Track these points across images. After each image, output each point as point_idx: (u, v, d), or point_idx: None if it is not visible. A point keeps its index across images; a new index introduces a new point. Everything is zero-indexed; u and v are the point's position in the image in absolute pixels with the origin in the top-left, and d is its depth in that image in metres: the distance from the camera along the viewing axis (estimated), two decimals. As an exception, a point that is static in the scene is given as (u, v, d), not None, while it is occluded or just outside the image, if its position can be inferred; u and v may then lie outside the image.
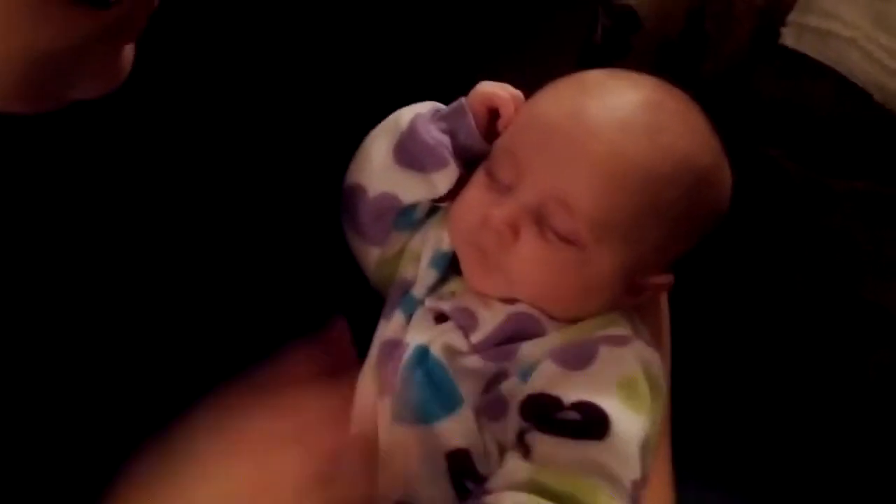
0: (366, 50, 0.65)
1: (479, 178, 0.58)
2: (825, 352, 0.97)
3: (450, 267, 0.61)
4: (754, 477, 0.93)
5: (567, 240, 0.54)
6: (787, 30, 0.89)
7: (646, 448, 0.52)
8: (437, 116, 0.60)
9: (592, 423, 0.50)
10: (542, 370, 0.52)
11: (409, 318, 0.58)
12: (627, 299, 0.58)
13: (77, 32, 0.41)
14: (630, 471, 0.50)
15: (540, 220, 0.55)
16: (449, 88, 0.63)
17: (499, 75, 0.64)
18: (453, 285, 0.59)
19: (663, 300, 0.66)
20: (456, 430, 0.52)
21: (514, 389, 0.52)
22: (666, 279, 0.59)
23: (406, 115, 0.61)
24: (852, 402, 0.95)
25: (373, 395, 0.56)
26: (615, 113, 0.55)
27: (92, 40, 0.42)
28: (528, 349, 0.53)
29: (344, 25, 0.65)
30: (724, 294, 1.00)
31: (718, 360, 0.98)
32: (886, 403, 0.94)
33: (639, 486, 0.50)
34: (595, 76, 0.60)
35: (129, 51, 0.46)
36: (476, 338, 0.55)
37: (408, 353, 0.54)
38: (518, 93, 0.60)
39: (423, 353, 0.54)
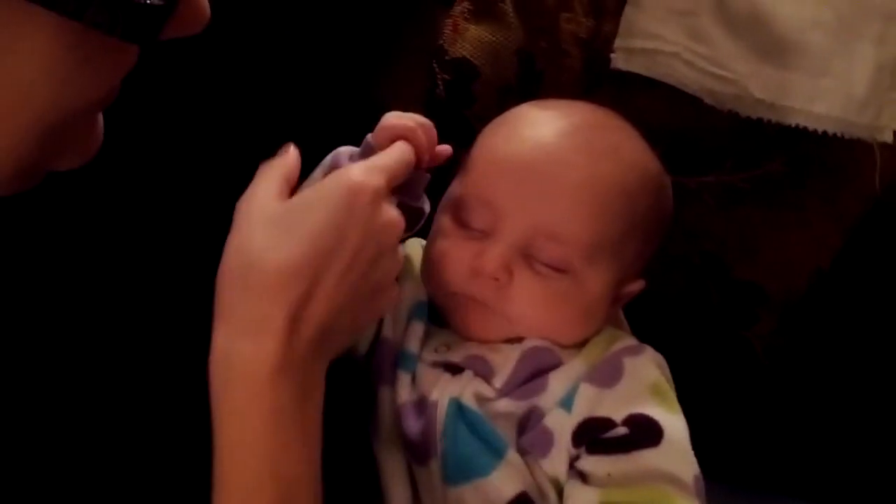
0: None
1: (449, 229, 0.59)
2: (712, 339, 1.04)
3: (428, 318, 0.60)
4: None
5: (560, 269, 0.56)
6: (617, 55, 0.97)
7: None
8: (351, 158, 0.60)
9: (644, 433, 0.52)
10: (582, 395, 0.53)
11: (412, 376, 0.57)
12: (611, 311, 0.60)
13: (104, 82, 0.37)
14: (689, 468, 0.52)
15: (528, 257, 0.56)
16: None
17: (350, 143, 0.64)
18: (442, 337, 0.59)
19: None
20: (511, 475, 0.52)
21: (561, 421, 0.53)
22: (640, 285, 0.62)
23: (326, 162, 0.61)
24: (748, 376, 1.03)
25: (402, 465, 0.54)
26: (574, 140, 0.58)
27: (104, 96, 0.39)
28: (558, 380, 0.54)
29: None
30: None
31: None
32: (778, 368, 1.03)
33: (699, 480, 0.52)
34: (532, 110, 0.62)
35: (100, 118, 0.43)
36: (498, 382, 0.55)
37: (442, 409, 0.53)
38: (423, 119, 0.60)
39: (458, 406, 0.53)
